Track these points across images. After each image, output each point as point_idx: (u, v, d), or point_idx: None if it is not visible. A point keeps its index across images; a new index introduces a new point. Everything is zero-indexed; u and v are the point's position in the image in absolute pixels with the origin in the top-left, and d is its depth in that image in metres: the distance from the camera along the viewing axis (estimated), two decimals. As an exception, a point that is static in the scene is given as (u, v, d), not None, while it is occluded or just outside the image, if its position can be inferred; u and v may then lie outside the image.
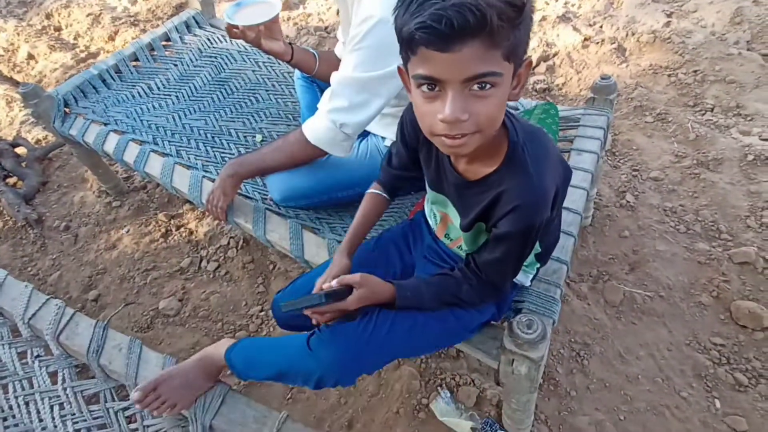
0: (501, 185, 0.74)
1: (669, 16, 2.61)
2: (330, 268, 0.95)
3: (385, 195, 1.04)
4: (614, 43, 2.53)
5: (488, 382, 1.41)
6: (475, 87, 0.62)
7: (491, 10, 0.56)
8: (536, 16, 2.77)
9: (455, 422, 1.30)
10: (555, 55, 2.57)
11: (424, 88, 0.64)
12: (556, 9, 2.83)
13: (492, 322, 1.02)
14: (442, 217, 0.96)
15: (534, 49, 2.59)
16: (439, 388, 1.39)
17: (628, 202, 1.82)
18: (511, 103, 1.61)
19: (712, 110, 2.13)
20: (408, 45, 0.63)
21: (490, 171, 0.76)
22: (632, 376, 1.40)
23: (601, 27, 2.67)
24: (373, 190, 1.05)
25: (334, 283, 0.88)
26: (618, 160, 2.01)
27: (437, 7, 0.57)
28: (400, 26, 0.63)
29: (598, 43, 2.56)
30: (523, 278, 0.99)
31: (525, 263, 0.91)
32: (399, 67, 0.73)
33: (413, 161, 0.95)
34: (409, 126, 0.90)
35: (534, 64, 2.54)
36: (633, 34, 2.56)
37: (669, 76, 2.33)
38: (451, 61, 0.59)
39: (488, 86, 0.62)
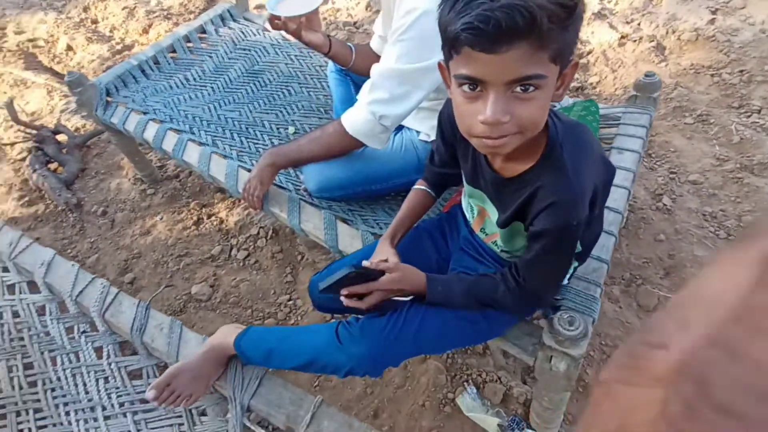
0: (537, 182, 0.73)
1: (714, 12, 2.53)
2: (375, 254, 0.97)
3: (430, 191, 1.04)
4: (653, 41, 2.46)
5: (515, 380, 1.40)
6: (518, 89, 0.60)
7: (541, 12, 0.54)
8: (571, 13, 2.72)
9: (482, 418, 1.30)
10: (589, 53, 2.51)
11: (466, 87, 0.63)
12: (591, 5, 2.77)
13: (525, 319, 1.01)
14: (480, 211, 0.95)
15: (568, 47, 2.54)
16: (465, 383, 1.39)
17: (664, 205, 1.77)
18: (547, 100, 1.59)
19: (759, 112, 2.05)
20: (452, 44, 0.61)
21: (527, 168, 0.75)
22: (666, 382, 1.36)
23: (639, 24, 2.60)
24: (419, 186, 1.05)
25: (367, 262, 0.89)
26: (654, 161, 1.96)
27: (485, 8, 0.55)
28: (444, 24, 0.61)
29: (635, 41, 2.49)
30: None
31: None
32: (439, 63, 0.72)
33: (453, 158, 0.94)
34: (446, 123, 0.89)
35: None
36: (674, 32, 2.48)
37: (712, 76, 2.25)
38: (495, 62, 0.58)
39: (531, 88, 0.60)
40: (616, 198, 1.19)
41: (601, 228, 0.95)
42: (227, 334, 1.04)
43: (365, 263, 0.89)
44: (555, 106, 1.56)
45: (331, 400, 1.38)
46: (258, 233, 1.89)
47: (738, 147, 1.95)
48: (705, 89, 2.23)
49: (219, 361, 1.03)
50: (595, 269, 1.04)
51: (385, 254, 0.96)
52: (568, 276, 0.99)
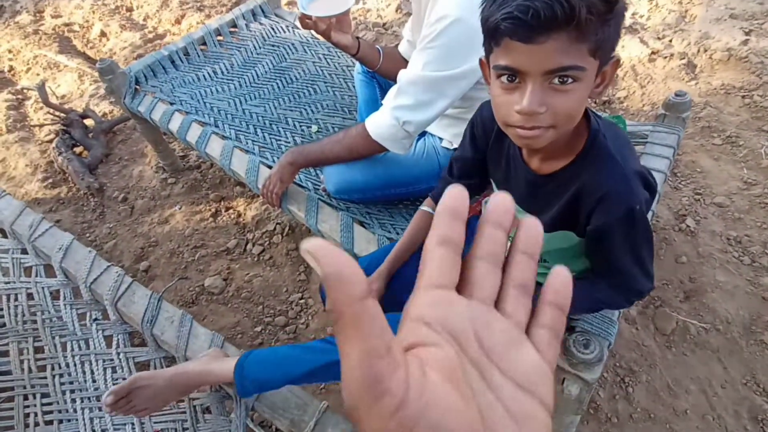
0: (579, 178, 0.71)
1: (747, 33, 2.46)
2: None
3: None
4: (684, 58, 2.41)
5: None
6: (556, 80, 0.60)
7: (581, 3, 0.54)
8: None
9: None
10: (619, 67, 2.47)
11: (504, 78, 0.63)
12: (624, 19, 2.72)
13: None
14: None
15: (597, 60, 2.51)
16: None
17: (688, 226, 1.73)
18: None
19: (790, 137, 1.99)
20: (492, 35, 0.62)
21: (566, 163, 0.73)
22: (680, 410, 1.33)
23: (670, 41, 2.55)
24: (425, 208, 1.04)
25: None
26: (679, 181, 1.92)
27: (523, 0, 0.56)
28: (486, 17, 0.62)
29: (666, 57, 2.44)
30: None
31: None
32: (480, 59, 0.72)
33: (477, 165, 0.92)
34: (479, 126, 0.88)
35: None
36: (705, 51, 2.42)
37: (743, 97, 2.19)
38: (534, 52, 0.58)
39: (570, 80, 0.60)
40: (640, 219, 1.16)
41: None
42: (205, 363, 0.98)
43: None
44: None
45: (337, 404, 1.38)
46: (274, 229, 1.90)
47: (766, 171, 1.90)
48: (735, 110, 2.17)
49: (186, 389, 0.98)
50: (614, 291, 1.01)
51: (378, 293, 0.97)
52: None
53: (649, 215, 1.17)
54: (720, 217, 1.77)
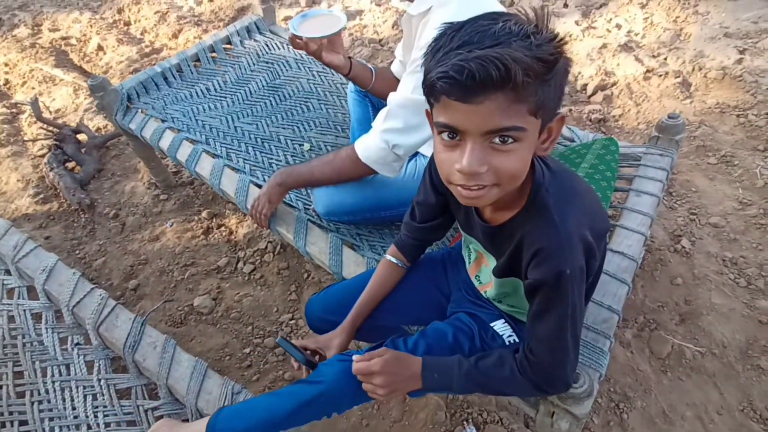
0: (522, 229, 0.71)
1: (742, 52, 2.47)
2: (323, 339, 0.98)
3: (401, 264, 1.02)
4: (679, 77, 2.42)
5: (517, 423, 1.35)
6: (497, 140, 0.59)
7: (516, 66, 0.53)
8: (596, 43, 2.69)
9: (479, 462, 1.25)
10: (614, 84, 2.48)
11: (445, 135, 0.62)
12: (618, 37, 2.74)
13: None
14: (478, 257, 0.92)
15: (592, 77, 2.51)
16: (465, 422, 1.34)
17: (683, 247, 1.71)
18: (566, 133, 1.55)
19: (784, 157, 1.99)
20: (430, 92, 0.61)
21: (513, 215, 0.72)
22: (676, 438, 1.30)
23: (665, 59, 2.56)
24: (390, 257, 1.03)
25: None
26: (675, 201, 1.91)
27: (461, 58, 0.54)
28: (426, 72, 0.61)
29: (661, 75, 2.45)
30: None
31: None
32: (426, 110, 0.70)
33: (440, 207, 0.92)
34: (436, 174, 0.88)
35: (591, 92, 2.46)
36: (700, 69, 2.43)
37: (738, 116, 2.19)
38: (472, 112, 0.57)
39: (510, 140, 0.59)
40: (630, 244, 1.14)
41: (595, 282, 0.89)
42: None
43: (355, 359, 0.84)
44: (573, 141, 1.53)
45: (324, 431, 1.35)
46: (266, 247, 1.87)
47: (762, 191, 1.89)
48: (730, 129, 2.17)
49: None
50: (605, 319, 0.99)
51: (333, 347, 0.96)
52: None
53: (640, 242, 1.16)
54: (715, 237, 1.76)
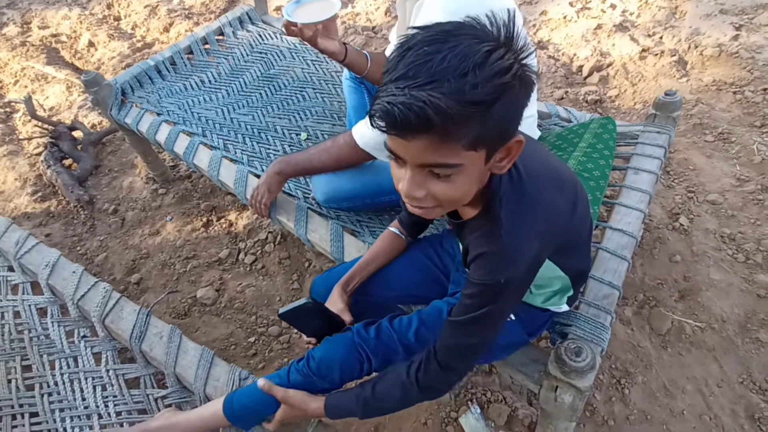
0: (476, 230, 0.72)
1: (738, 29, 2.46)
2: (329, 303, 0.98)
3: (402, 236, 1.04)
4: (674, 55, 2.41)
5: (521, 402, 1.37)
6: (433, 171, 0.59)
7: (437, 116, 0.51)
8: (591, 24, 2.67)
9: (485, 440, 1.27)
10: (609, 65, 2.47)
11: (392, 156, 0.62)
12: (613, 17, 2.72)
13: (532, 343, 0.98)
14: None
15: (587, 59, 2.50)
16: (469, 402, 1.36)
17: (681, 225, 1.72)
18: (562, 114, 1.55)
19: (781, 132, 1.99)
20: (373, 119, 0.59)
21: (475, 214, 0.73)
22: (677, 411, 1.32)
23: (661, 38, 2.55)
24: (392, 228, 1.04)
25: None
26: (672, 179, 1.91)
27: (389, 100, 0.53)
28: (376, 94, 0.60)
29: (656, 54, 2.44)
30: (556, 305, 0.93)
31: (554, 287, 0.86)
32: None
33: None
34: None
35: (586, 74, 2.45)
36: (696, 47, 2.42)
37: (734, 93, 2.19)
38: (405, 146, 0.57)
39: (447, 172, 0.59)
40: (630, 221, 1.15)
41: (588, 265, 0.90)
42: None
43: (328, 304, 0.93)
44: (570, 121, 1.53)
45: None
46: (266, 238, 1.88)
47: (759, 167, 1.89)
48: (727, 107, 2.17)
49: None
50: (606, 295, 1.00)
51: (335, 304, 0.97)
52: (564, 303, 0.93)
53: (639, 219, 1.17)
54: (713, 214, 1.77)
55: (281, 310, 0.90)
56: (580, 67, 2.49)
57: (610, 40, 2.57)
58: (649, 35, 2.57)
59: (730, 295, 1.53)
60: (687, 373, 1.39)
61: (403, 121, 0.53)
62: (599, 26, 2.65)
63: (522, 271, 0.68)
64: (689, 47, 2.44)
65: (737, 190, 1.83)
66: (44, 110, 2.70)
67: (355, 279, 1.02)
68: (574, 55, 2.56)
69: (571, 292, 0.90)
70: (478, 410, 1.32)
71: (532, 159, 0.72)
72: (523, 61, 0.55)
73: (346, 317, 0.96)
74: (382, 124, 0.55)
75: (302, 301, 0.88)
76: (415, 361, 0.81)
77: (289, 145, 1.64)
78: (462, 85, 0.51)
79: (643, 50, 2.47)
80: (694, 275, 1.59)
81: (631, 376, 1.39)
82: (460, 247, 0.97)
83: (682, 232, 1.71)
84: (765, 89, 2.16)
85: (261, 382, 0.90)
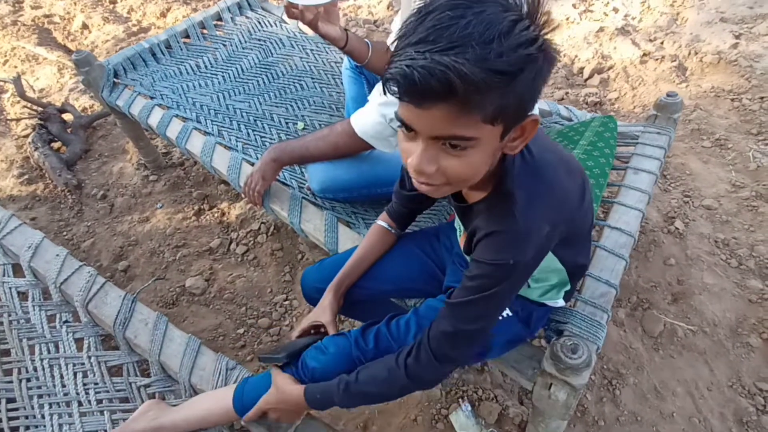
0: (485, 212, 0.69)
1: (737, 37, 2.47)
2: (316, 310, 0.96)
3: (392, 230, 1.01)
4: (675, 60, 2.41)
5: (511, 400, 1.36)
6: (447, 144, 0.56)
7: (460, 82, 0.49)
8: (593, 27, 2.67)
9: (474, 438, 1.25)
10: (610, 68, 2.46)
11: (402, 128, 0.58)
12: (615, 21, 2.72)
13: (528, 340, 0.96)
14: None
15: (588, 61, 2.50)
16: (460, 400, 1.34)
17: (677, 228, 1.72)
18: (563, 113, 1.54)
19: (777, 140, 2.00)
20: (387, 86, 0.56)
21: (483, 196, 0.70)
22: (666, 413, 1.31)
23: (662, 43, 2.55)
24: (381, 222, 1.02)
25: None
26: (669, 183, 1.91)
27: (408, 62, 0.50)
28: (390, 59, 0.56)
29: (657, 59, 2.44)
30: (553, 299, 0.91)
31: (551, 281, 0.84)
32: None
33: None
34: None
35: (587, 75, 2.45)
36: (696, 54, 2.43)
37: (732, 100, 2.20)
38: (420, 115, 0.54)
39: (460, 147, 0.56)
40: (628, 220, 1.14)
41: (586, 260, 0.87)
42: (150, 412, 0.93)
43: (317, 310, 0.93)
44: (571, 120, 1.52)
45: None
46: (259, 228, 1.85)
47: (754, 174, 1.90)
48: (724, 113, 2.18)
49: None
50: (603, 294, 0.99)
51: (326, 309, 0.95)
52: (561, 298, 0.90)
53: (638, 218, 1.16)
54: (708, 219, 1.77)
55: (260, 355, 0.93)
56: (581, 69, 2.48)
57: (611, 43, 2.56)
58: (650, 40, 2.57)
59: (722, 299, 1.53)
60: (678, 375, 1.38)
61: (423, 86, 0.50)
62: (601, 29, 2.65)
63: (530, 256, 0.65)
64: (689, 53, 2.44)
65: (732, 196, 1.84)
66: (34, 91, 2.64)
67: (347, 281, 0.99)
68: (576, 56, 2.56)
69: (568, 287, 0.88)
70: (469, 408, 1.31)
71: (543, 143, 0.70)
72: (546, 36, 0.53)
73: (331, 330, 0.94)
74: (398, 89, 0.52)
75: (280, 356, 0.88)
76: (407, 346, 0.77)
77: (286, 134, 1.61)
78: (487, 52, 0.49)
79: (644, 54, 2.47)
80: (687, 279, 1.59)
81: (622, 377, 1.38)
82: (459, 236, 0.95)
83: (677, 235, 1.71)
84: (762, 98, 2.17)
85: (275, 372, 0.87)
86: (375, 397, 0.81)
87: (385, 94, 0.56)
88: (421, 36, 0.51)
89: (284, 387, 0.85)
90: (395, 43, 0.56)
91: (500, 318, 0.90)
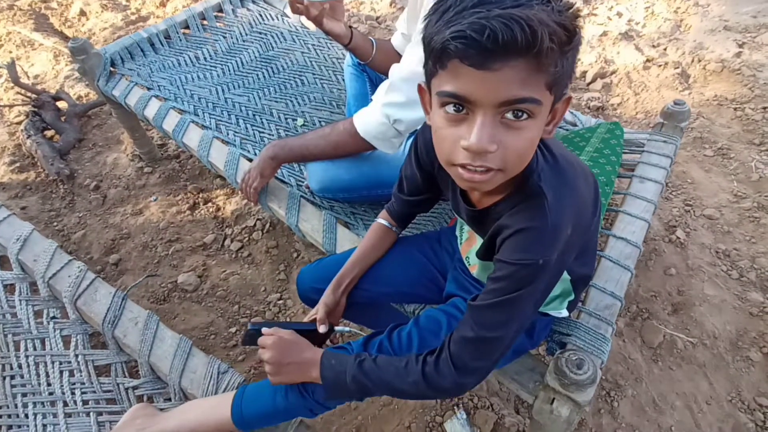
0: (509, 209, 0.66)
1: (741, 46, 2.46)
2: (318, 306, 0.93)
3: (393, 228, 0.99)
4: (678, 67, 2.40)
5: (507, 409, 1.33)
6: (509, 115, 0.53)
7: (543, 28, 0.48)
8: (597, 31, 2.65)
9: (469, 447, 1.23)
10: (613, 73, 2.44)
11: (450, 108, 0.54)
12: (619, 26, 2.70)
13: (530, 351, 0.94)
14: (469, 237, 0.88)
15: (592, 65, 2.48)
16: (455, 407, 1.32)
17: (678, 238, 1.70)
18: (568, 118, 1.51)
19: (780, 152, 1.98)
20: (438, 57, 0.53)
21: (500, 198, 0.67)
22: (665, 427, 1.30)
23: (665, 49, 2.53)
24: (382, 220, 0.99)
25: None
26: (671, 191, 1.89)
27: (480, 16, 0.48)
28: (430, 35, 0.53)
29: (660, 65, 2.42)
30: (556, 309, 0.89)
31: (554, 292, 0.81)
32: (419, 85, 0.64)
33: (426, 183, 0.88)
34: (423, 149, 0.83)
35: (590, 79, 2.43)
36: (699, 61, 2.41)
37: (735, 109, 2.18)
38: (487, 79, 0.50)
39: (524, 116, 0.53)
40: (634, 230, 1.12)
41: (591, 270, 0.84)
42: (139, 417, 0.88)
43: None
44: (576, 125, 1.49)
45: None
46: (255, 225, 1.81)
47: (756, 185, 1.89)
48: (727, 122, 2.16)
49: None
50: (607, 306, 0.97)
51: (328, 305, 0.92)
52: (564, 308, 0.87)
53: (643, 229, 1.14)
54: (709, 229, 1.75)
55: (250, 327, 0.88)
56: (584, 73, 2.46)
57: (615, 47, 2.54)
58: (653, 46, 2.55)
59: (722, 311, 1.51)
60: (677, 388, 1.37)
61: (506, 38, 0.47)
62: (605, 33, 2.63)
63: (556, 257, 0.62)
64: (692, 60, 2.43)
65: (734, 206, 1.82)
66: (28, 78, 2.58)
67: (347, 279, 0.96)
68: (579, 60, 2.53)
69: (572, 297, 0.86)
70: (464, 416, 1.28)
71: (560, 146, 0.68)
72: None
73: (321, 328, 0.91)
74: (468, 48, 0.49)
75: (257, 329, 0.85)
76: (429, 349, 0.73)
77: (285, 130, 1.58)
78: (550, 9, 0.50)
79: (648, 60, 2.45)
80: (688, 289, 1.57)
81: (621, 388, 1.36)
82: (460, 243, 0.92)
83: (679, 245, 1.69)
84: (765, 108, 2.16)
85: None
86: (386, 385, 0.75)
87: (434, 68, 0.54)
88: None
89: (303, 342, 0.81)
90: (432, 18, 0.54)
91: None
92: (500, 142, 0.54)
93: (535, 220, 0.62)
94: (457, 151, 0.56)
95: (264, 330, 0.84)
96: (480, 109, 0.53)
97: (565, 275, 0.78)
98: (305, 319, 0.96)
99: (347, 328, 0.97)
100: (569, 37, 0.51)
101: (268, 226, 1.80)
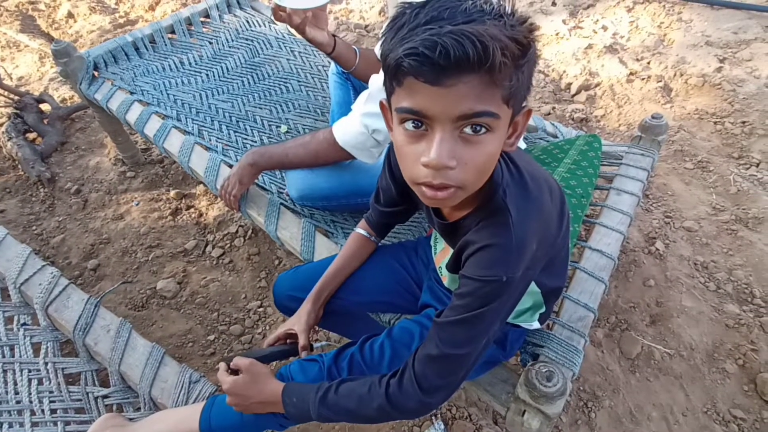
0: (474, 225, 0.66)
1: (722, 61, 2.51)
2: (292, 318, 0.93)
3: (371, 237, 1.00)
4: (660, 81, 2.44)
5: (486, 420, 1.33)
6: (468, 129, 0.53)
7: (495, 43, 0.48)
8: (582, 43, 2.69)
9: (446, 458, 1.22)
10: (597, 85, 2.48)
11: (409, 124, 0.54)
12: (604, 39, 2.74)
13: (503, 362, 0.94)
14: (444, 247, 0.89)
15: (576, 77, 2.51)
16: (433, 417, 1.32)
17: (657, 249, 1.72)
18: (549, 129, 1.53)
19: (757, 165, 2.02)
20: (394, 74, 0.53)
21: (469, 211, 0.68)
22: (641, 438, 1.30)
23: (648, 63, 2.57)
24: (360, 230, 1.00)
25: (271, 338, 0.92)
26: (651, 203, 1.92)
27: (432, 33, 0.48)
28: (386, 52, 0.54)
29: (643, 79, 2.46)
30: (527, 321, 0.89)
31: (525, 305, 0.82)
32: (381, 102, 0.64)
33: (402, 196, 0.88)
34: (395, 163, 0.83)
35: (574, 91, 2.46)
36: (681, 75, 2.46)
37: (715, 123, 2.22)
38: (442, 95, 0.51)
39: (483, 130, 0.53)
40: (609, 242, 1.13)
41: (562, 282, 0.84)
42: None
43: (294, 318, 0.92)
44: (556, 137, 1.51)
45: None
46: (237, 231, 1.80)
47: (734, 198, 1.92)
48: (707, 136, 2.20)
49: None
50: (581, 317, 0.97)
51: (308, 318, 0.92)
52: (535, 319, 0.88)
53: (619, 241, 1.15)
54: (688, 241, 1.77)
55: (225, 358, 0.87)
56: (569, 85, 2.49)
57: (599, 60, 2.58)
58: (637, 59, 2.60)
59: (699, 323, 1.53)
60: (653, 399, 1.38)
61: (457, 54, 0.48)
62: (590, 46, 2.67)
63: (520, 273, 0.62)
64: (675, 75, 2.47)
65: (712, 218, 1.85)
66: (11, 79, 2.56)
67: (326, 291, 0.96)
68: (564, 72, 2.57)
69: (543, 309, 0.86)
70: (442, 426, 1.28)
71: (526, 159, 0.69)
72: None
73: (302, 340, 0.90)
74: (420, 64, 0.49)
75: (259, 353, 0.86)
76: (393, 370, 0.73)
77: (268, 137, 1.57)
78: (502, 24, 0.50)
79: (631, 73, 2.49)
80: (666, 301, 1.59)
81: (598, 399, 1.37)
82: (434, 254, 0.93)
83: (658, 256, 1.71)
84: (744, 122, 2.20)
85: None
86: (351, 414, 0.74)
87: (391, 85, 0.55)
88: (432, 15, 0.50)
89: (262, 377, 0.79)
90: (387, 35, 0.54)
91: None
92: (460, 157, 0.54)
93: (500, 236, 0.62)
94: (419, 168, 0.56)
95: (219, 374, 0.83)
96: (438, 125, 0.53)
97: (536, 288, 0.78)
98: (280, 329, 0.95)
99: (324, 342, 0.97)
100: (522, 51, 0.51)
101: (250, 232, 1.79)
